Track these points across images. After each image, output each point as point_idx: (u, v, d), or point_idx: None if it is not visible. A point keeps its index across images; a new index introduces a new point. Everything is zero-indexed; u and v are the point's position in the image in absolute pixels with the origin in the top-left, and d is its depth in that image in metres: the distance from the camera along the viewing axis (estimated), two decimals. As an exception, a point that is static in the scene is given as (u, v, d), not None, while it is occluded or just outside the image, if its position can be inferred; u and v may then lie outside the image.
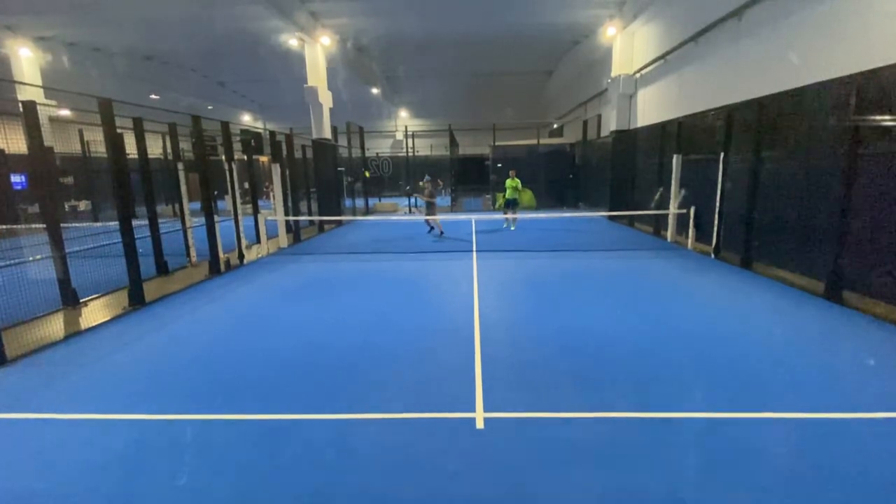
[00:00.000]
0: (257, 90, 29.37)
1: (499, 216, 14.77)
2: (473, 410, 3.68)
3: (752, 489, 2.76)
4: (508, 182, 13.89)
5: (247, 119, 32.81)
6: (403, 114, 33.97)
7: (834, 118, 6.49)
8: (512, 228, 13.81)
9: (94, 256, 8.22)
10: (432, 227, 13.22)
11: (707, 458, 3.05)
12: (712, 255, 9.39)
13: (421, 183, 13.47)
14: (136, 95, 19.13)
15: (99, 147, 15.48)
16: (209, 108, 27.90)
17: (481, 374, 4.30)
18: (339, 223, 16.56)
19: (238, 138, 10.60)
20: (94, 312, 6.53)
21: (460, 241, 11.98)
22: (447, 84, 28.34)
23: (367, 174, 21.63)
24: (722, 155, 9.08)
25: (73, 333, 5.69)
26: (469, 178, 24.49)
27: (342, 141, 19.41)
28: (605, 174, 16.33)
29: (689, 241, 10.39)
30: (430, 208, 12.87)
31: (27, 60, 16.61)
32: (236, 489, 2.86)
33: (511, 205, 13.87)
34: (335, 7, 14.95)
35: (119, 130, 7.06)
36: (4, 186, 14.62)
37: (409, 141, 22.55)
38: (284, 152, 12.77)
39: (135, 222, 7.17)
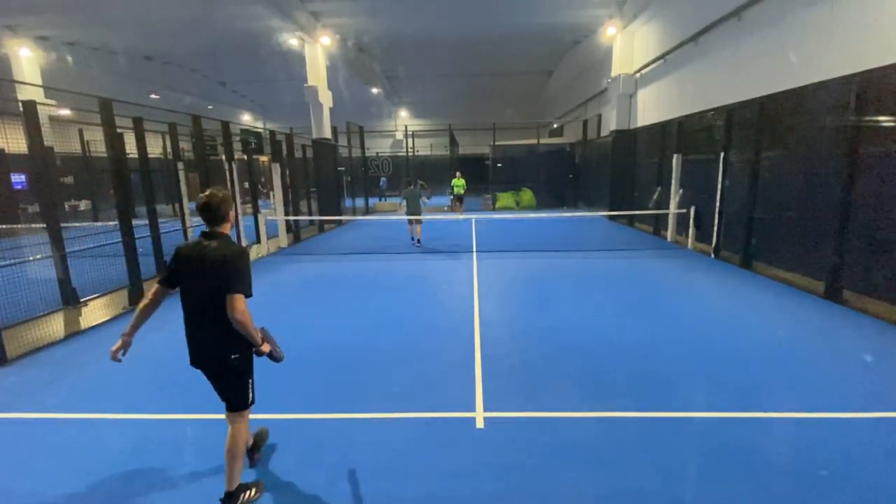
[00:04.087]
0: (257, 90, 29.35)
1: (499, 215, 14.92)
2: (473, 410, 3.68)
3: (751, 489, 2.76)
4: (455, 181, 17.62)
5: (247, 119, 32.81)
6: (403, 113, 33.97)
7: (834, 118, 6.49)
8: (460, 218, 16.07)
9: (94, 256, 8.22)
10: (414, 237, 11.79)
11: (707, 458, 3.05)
12: (712, 255, 9.39)
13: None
14: (137, 95, 19.14)
15: (99, 147, 15.47)
16: (209, 107, 27.91)
17: (481, 373, 4.31)
18: (340, 223, 16.57)
19: (238, 138, 10.59)
20: (94, 312, 6.53)
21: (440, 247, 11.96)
22: (447, 84, 28.33)
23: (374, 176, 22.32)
24: (722, 155, 9.08)
25: (74, 333, 5.70)
26: (469, 177, 24.49)
27: (342, 141, 19.41)
28: (605, 174, 16.33)
29: (689, 240, 10.39)
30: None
31: (27, 60, 16.61)
32: (236, 489, 2.86)
33: (458, 199, 17.68)
34: (335, 7, 14.94)
35: (119, 130, 7.05)
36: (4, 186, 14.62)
37: (409, 141, 22.55)
38: (284, 152, 12.77)
39: (135, 222, 7.17)
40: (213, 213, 2.62)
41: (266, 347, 2.70)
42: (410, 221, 11.63)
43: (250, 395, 2.79)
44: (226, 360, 2.64)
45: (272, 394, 4.06)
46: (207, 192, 2.64)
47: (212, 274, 2.52)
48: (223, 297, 2.48)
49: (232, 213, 2.70)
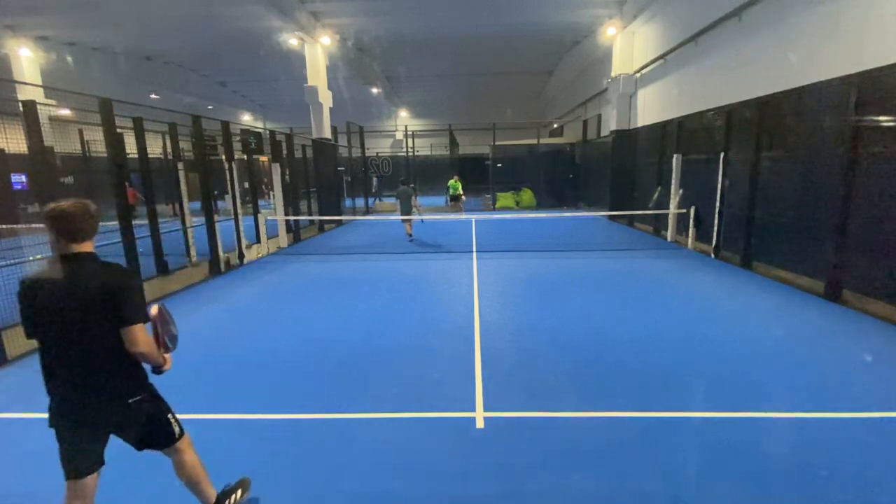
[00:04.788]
0: (257, 90, 29.34)
1: (499, 215, 14.98)
2: (473, 410, 3.68)
3: (751, 489, 2.76)
4: (451, 183, 18.51)
5: (247, 119, 32.80)
6: (403, 113, 33.95)
7: (834, 118, 6.49)
8: (462, 216, 16.89)
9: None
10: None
11: (707, 458, 3.05)
12: (712, 255, 9.39)
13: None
14: (137, 95, 19.13)
15: (99, 147, 15.48)
16: (209, 107, 27.90)
17: (481, 373, 4.30)
18: (339, 223, 16.57)
19: (238, 138, 10.59)
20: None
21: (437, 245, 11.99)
22: (447, 84, 28.32)
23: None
24: (722, 155, 9.08)
25: (74, 333, 5.69)
26: (469, 177, 24.54)
27: (342, 141, 19.41)
28: (605, 174, 16.33)
29: (689, 240, 10.39)
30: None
31: (27, 60, 16.58)
32: (236, 489, 2.86)
33: (454, 198, 18.48)
34: (335, 7, 14.95)
35: (119, 130, 7.06)
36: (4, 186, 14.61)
37: (409, 141, 22.54)
38: (284, 152, 12.78)
39: (134, 222, 7.17)
40: (76, 226, 2.01)
41: (168, 363, 2.27)
42: (404, 220, 12.24)
43: (176, 427, 2.37)
44: (128, 407, 2.17)
45: (272, 393, 4.06)
46: (68, 201, 2.03)
47: (94, 308, 2.00)
48: (111, 333, 2.04)
49: (97, 227, 2.13)
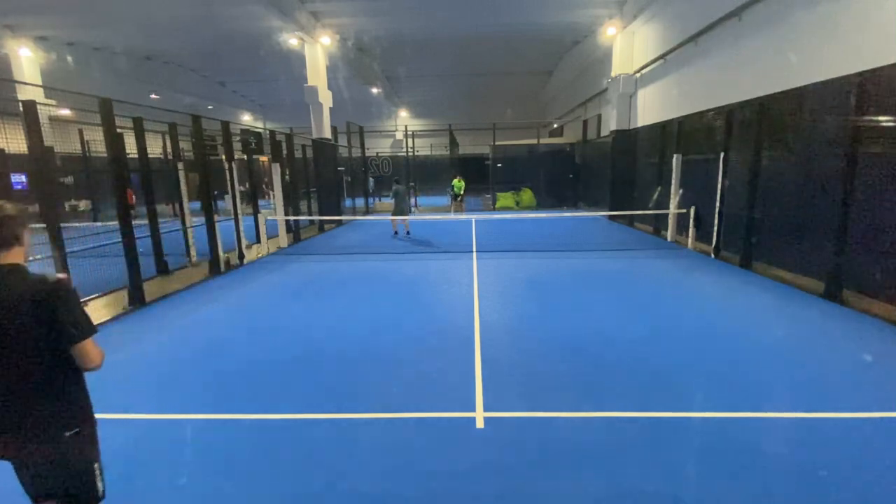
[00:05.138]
0: (257, 90, 29.35)
1: (499, 215, 15.03)
2: (473, 410, 3.68)
3: (751, 489, 2.76)
4: (455, 182, 18.76)
5: (247, 119, 32.80)
6: (403, 113, 33.96)
7: (834, 118, 6.49)
8: (462, 216, 17.11)
9: (94, 256, 8.22)
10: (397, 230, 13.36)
11: (707, 458, 3.05)
12: (712, 255, 9.39)
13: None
14: (137, 95, 19.13)
15: (99, 147, 15.47)
16: (209, 107, 27.90)
17: (481, 373, 4.30)
18: (339, 223, 16.58)
19: (238, 138, 10.60)
20: (94, 312, 6.52)
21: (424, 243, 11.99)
22: (447, 84, 28.33)
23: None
24: (722, 155, 9.08)
25: (74, 333, 5.68)
26: (469, 177, 24.55)
27: (342, 141, 19.42)
28: (605, 174, 16.34)
29: (689, 240, 10.39)
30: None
31: (27, 60, 16.60)
32: (236, 489, 2.86)
33: (456, 197, 18.88)
34: (335, 7, 14.95)
35: (119, 130, 7.06)
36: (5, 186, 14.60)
37: (409, 141, 22.55)
38: (284, 152, 12.78)
39: (134, 222, 7.17)
40: None
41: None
42: (394, 219, 12.72)
43: (99, 485, 1.95)
44: (61, 442, 1.81)
45: (272, 393, 4.06)
46: None
47: (22, 329, 1.70)
48: (45, 354, 1.75)
49: (26, 235, 1.83)
